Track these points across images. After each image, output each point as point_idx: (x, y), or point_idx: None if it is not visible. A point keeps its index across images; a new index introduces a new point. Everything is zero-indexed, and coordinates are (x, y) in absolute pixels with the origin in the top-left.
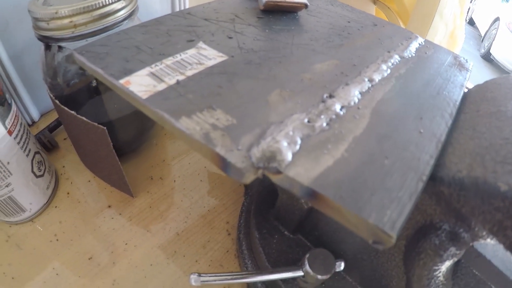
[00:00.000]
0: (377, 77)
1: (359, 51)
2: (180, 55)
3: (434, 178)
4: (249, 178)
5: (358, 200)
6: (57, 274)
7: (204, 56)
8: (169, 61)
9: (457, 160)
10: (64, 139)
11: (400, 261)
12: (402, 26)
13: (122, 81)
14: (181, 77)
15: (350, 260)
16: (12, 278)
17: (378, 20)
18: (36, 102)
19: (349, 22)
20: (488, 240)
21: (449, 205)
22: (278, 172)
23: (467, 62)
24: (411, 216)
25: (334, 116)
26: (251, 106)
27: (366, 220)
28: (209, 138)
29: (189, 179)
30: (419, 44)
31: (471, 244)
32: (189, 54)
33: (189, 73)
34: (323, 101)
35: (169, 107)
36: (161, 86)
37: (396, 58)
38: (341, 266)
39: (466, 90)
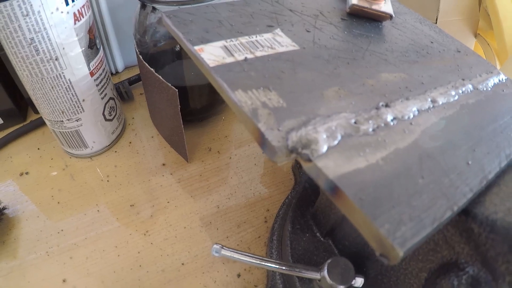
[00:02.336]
0: (441, 100)
1: (432, 71)
2: (256, 37)
3: (467, 213)
4: (280, 158)
5: (377, 207)
6: (98, 210)
7: (278, 42)
8: (244, 39)
9: (498, 202)
10: (141, 94)
11: None
12: (498, 66)
13: (196, 48)
14: (249, 56)
15: (371, 279)
16: (58, 203)
17: (463, 48)
18: (123, 55)
19: (432, 42)
20: None
21: (477, 247)
22: (309, 159)
23: None
24: (437, 249)
25: (382, 124)
26: (305, 96)
27: (378, 229)
28: (256, 114)
29: (244, 160)
30: (499, 80)
31: None
32: (265, 37)
33: (259, 54)
34: (377, 108)
35: (229, 78)
36: (229, 60)
37: (468, 87)
38: (360, 282)
39: None
